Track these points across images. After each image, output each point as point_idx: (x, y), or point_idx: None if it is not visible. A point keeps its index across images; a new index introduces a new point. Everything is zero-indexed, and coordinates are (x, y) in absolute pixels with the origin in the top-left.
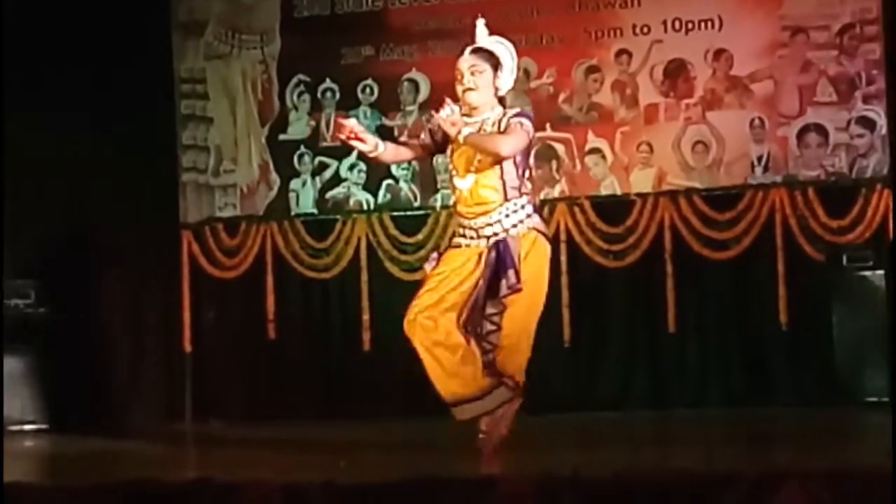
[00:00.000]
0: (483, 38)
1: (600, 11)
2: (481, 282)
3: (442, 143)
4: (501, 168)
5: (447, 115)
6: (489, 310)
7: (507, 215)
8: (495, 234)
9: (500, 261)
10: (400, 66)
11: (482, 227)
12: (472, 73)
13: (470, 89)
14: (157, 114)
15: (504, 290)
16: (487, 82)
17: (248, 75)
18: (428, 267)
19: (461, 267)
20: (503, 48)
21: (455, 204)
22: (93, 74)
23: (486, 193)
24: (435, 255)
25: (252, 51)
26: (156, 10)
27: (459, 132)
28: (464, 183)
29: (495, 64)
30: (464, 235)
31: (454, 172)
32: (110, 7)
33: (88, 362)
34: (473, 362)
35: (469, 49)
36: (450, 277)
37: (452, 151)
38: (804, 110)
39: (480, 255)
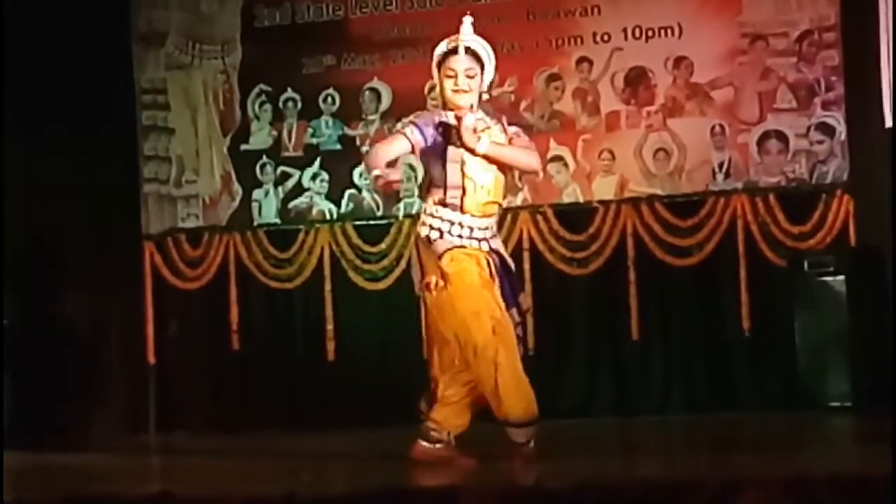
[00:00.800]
0: (471, 37)
1: (560, 19)
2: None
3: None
4: (510, 173)
5: (470, 123)
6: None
7: (496, 223)
8: (485, 239)
9: (509, 274)
10: (361, 75)
11: (481, 228)
12: (468, 76)
13: (464, 91)
14: (118, 125)
15: (525, 306)
16: (477, 85)
17: (209, 85)
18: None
19: (483, 273)
20: (486, 50)
21: (463, 197)
22: (52, 85)
23: (496, 195)
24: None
25: (213, 61)
26: (115, 21)
27: (479, 140)
28: (485, 177)
29: (481, 66)
30: (449, 233)
31: (468, 165)
32: (70, 18)
33: (51, 375)
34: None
35: (463, 48)
36: (490, 284)
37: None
38: (764, 117)
39: (488, 262)
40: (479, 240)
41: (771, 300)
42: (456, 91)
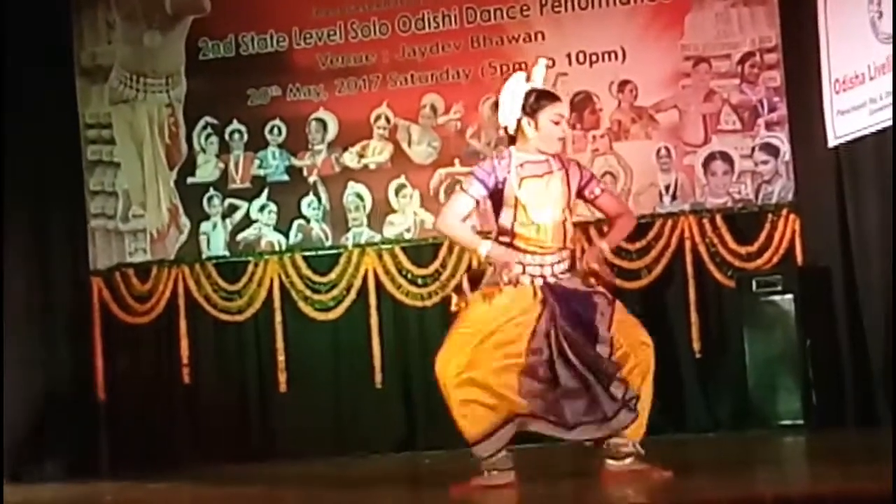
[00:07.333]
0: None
1: (504, 46)
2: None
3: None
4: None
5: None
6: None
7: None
8: (541, 276)
9: (583, 309)
10: (307, 105)
11: (535, 265)
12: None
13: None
14: (63, 160)
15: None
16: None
17: (154, 119)
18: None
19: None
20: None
21: (513, 240)
22: None
23: (556, 238)
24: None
25: (158, 94)
26: (59, 56)
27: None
28: (542, 217)
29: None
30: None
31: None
32: (12, 53)
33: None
34: None
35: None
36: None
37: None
38: (709, 138)
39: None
40: (533, 276)
41: (720, 321)
42: (562, 139)
